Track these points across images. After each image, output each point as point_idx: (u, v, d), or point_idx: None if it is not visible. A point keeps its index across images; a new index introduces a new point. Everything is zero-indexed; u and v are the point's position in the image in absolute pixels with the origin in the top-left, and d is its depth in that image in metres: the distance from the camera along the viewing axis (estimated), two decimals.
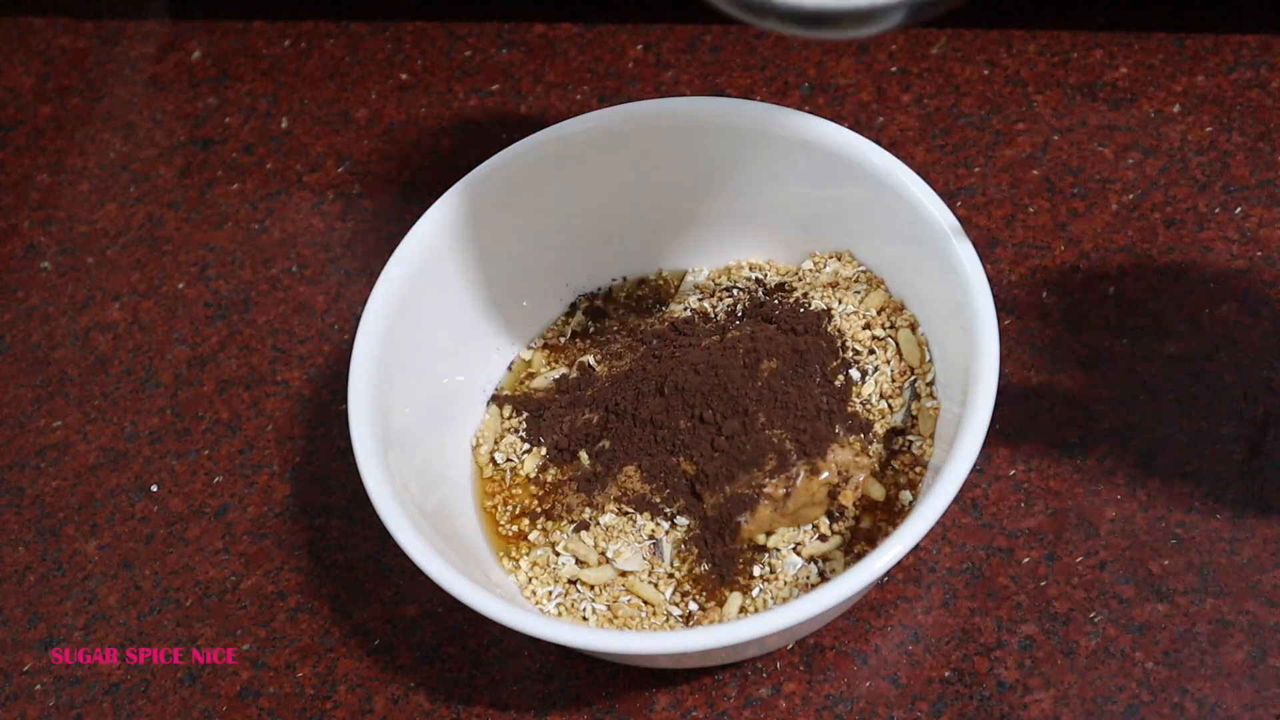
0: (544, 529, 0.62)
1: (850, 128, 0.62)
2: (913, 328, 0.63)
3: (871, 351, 0.63)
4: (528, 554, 0.61)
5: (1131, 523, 0.61)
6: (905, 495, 0.60)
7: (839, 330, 0.63)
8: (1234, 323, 0.65)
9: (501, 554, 0.62)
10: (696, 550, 0.60)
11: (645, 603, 0.60)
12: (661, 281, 0.68)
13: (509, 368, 0.67)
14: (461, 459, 0.64)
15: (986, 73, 0.73)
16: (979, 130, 0.72)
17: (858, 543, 0.60)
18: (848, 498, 0.59)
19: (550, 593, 0.60)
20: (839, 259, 0.65)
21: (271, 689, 0.62)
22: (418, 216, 0.62)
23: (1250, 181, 0.68)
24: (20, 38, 0.86)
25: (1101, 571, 0.60)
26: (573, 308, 0.68)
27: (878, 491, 0.60)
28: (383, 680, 0.62)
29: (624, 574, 0.60)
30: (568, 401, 0.64)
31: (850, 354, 0.62)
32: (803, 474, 0.59)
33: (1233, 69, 0.72)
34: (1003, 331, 0.65)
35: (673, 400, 0.60)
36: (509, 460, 0.64)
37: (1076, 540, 0.61)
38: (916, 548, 0.55)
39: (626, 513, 0.61)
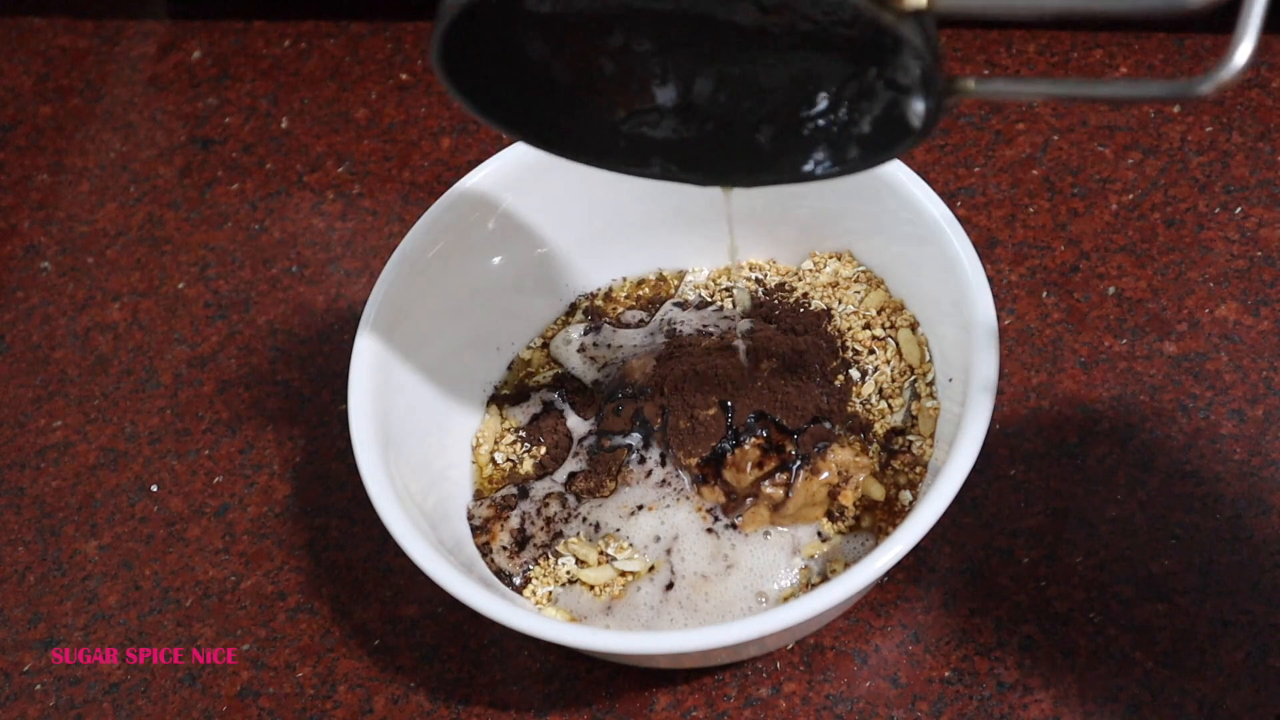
0: None
1: None
2: (913, 328, 0.63)
3: (871, 351, 0.63)
4: None
5: (1131, 523, 0.60)
6: (905, 495, 0.60)
7: (839, 330, 0.63)
8: (1234, 323, 0.65)
9: None
10: None
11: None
12: (661, 281, 0.68)
13: (509, 368, 0.67)
14: (461, 459, 0.64)
15: (987, 73, 0.73)
16: (979, 130, 0.72)
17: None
18: (848, 498, 0.59)
19: (550, 593, 0.60)
20: (839, 259, 0.65)
21: (271, 689, 0.62)
22: (418, 216, 0.62)
23: (1250, 181, 0.68)
24: (20, 38, 0.86)
25: (1101, 571, 0.60)
26: (572, 308, 0.68)
27: (878, 491, 0.60)
28: (383, 680, 0.62)
29: (624, 574, 0.60)
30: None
31: (850, 354, 0.62)
32: (803, 474, 0.59)
33: None
34: (1003, 331, 0.65)
35: (673, 400, 0.60)
36: (509, 460, 0.64)
37: (1076, 540, 0.60)
38: (916, 548, 0.55)
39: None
